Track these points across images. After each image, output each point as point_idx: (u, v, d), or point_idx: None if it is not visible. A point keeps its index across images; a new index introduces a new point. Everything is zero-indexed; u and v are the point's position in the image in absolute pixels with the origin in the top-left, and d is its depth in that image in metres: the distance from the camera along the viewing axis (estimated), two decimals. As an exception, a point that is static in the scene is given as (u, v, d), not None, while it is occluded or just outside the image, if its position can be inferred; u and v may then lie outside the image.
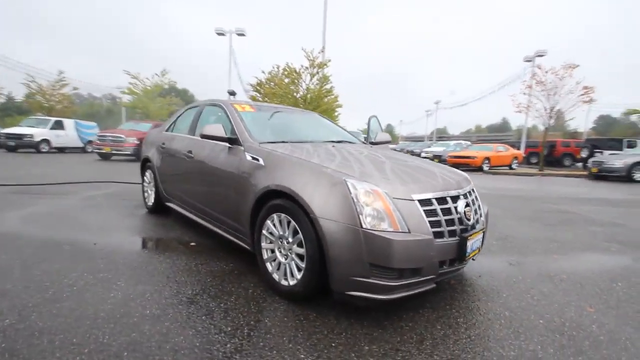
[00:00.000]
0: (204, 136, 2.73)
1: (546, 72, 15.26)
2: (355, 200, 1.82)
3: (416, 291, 1.88)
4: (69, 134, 16.81)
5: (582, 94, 14.71)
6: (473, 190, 2.41)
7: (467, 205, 2.14)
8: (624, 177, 12.03)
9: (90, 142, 17.01)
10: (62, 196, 5.09)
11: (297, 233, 2.02)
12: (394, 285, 1.79)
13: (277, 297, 2.16)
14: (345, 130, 3.82)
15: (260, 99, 16.47)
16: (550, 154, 20.32)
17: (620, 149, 16.25)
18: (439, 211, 1.96)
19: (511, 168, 16.96)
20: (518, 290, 2.42)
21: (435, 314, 2.05)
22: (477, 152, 16.38)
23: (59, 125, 16.27)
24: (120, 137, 12.75)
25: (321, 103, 14.63)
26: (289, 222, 2.08)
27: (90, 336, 1.64)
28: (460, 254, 2.00)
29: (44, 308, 1.87)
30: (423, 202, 1.92)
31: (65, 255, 2.67)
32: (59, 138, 16.12)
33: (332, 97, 14.64)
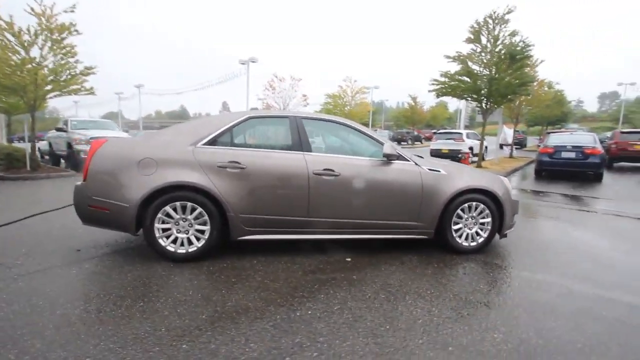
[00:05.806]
0: (387, 155, 3.23)
1: (280, 80, 19.95)
2: (509, 186, 3.65)
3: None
4: None
5: (303, 100, 20.84)
6: None
7: None
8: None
9: None
10: None
11: (483, 212, 3.48)
12: (515, 221, 3.83)
13: (469, 255, 3.48)
14: None
15: None
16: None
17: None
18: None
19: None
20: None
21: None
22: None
23: None
24: None
25: (69, 82, 10.74)
26: (477, 207, 3.46)
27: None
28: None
29: None
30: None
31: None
32: None
33: (87, 76, 10.89)
